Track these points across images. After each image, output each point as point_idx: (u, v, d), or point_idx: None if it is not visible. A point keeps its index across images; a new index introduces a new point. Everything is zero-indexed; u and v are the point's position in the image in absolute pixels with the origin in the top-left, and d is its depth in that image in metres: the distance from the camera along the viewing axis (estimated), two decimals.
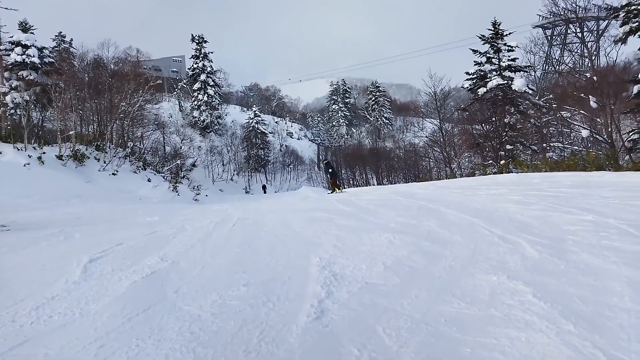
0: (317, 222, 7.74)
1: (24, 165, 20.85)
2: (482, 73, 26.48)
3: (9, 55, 25.79)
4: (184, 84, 54.36)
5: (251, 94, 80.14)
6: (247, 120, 50.79)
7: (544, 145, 24.74)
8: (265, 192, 40.97)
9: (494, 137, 24.84)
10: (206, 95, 48.48)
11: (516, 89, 24.58)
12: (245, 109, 63.69)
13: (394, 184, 35.40)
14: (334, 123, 76.58)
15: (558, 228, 5.23)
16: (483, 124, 25.78)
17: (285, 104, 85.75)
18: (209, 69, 49.53)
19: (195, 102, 49.21)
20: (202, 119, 48.50)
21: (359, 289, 3.65)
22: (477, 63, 26.78)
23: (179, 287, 4.14)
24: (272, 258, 5.13)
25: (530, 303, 3.07)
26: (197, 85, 48.75)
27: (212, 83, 49.40)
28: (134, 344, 2.85)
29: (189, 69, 53.02)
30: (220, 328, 3.06)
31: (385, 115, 74.28)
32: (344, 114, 77.65)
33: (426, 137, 37.51)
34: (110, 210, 14.35)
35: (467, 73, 27.32)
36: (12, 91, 24.83)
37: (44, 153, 22.82)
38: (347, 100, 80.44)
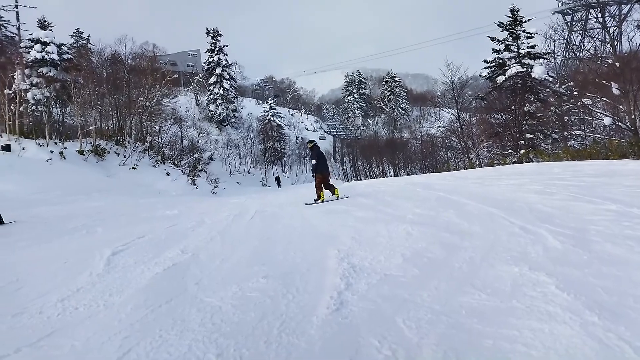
0: (333, 214, 7.75)
1: (46, 161, 21.38)
2: (500, 61, 25.98)
3: (28, 52, 26.29)
4: (200, 78, 54.75)
5: (266, 86, 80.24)
6: (263, 113, 50.91)
7: (565, 133, 24.20)
8: (279, 186, 38.13)
9: (514, 126, 24.37)
10: (222, 88, 48.72)
11: (536, 77, 24.05)
12: (260, 101, 63.87)
13: (411, 175, 35.16)
14: (349, 114, 76.26)
15: (580, 218, 5.12)
16: (502, 113, 25.31)
17: (301, 96, 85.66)
18: (224, 62, 49.69)
19: (211, 96, 49.51)
20: (218, 112, 48.81)
21: (378, 281, 3.65)
22: (495, 51, 26.27)
23: (200, 279, 4.20)
24: (290, 250, 5.16)
25: (553, 294, 3.02)
26: (212, 79, 49.00)
27: (227, 76, 49.59)
28: (158, 334, 2.91)
29: (204, 62, 53.30)
30: (241, 319, 3.10)
31: (401, 106, 73.60)
32: (360, 105, 77.23)
33: (443, 127, 37.00)
34: (130, 203, 14.59)
35: (485, 61, 26.84)
36: (33, 88, 25.32)
37: (65, 148, 23.36)
38: (362, 91, 79.93)
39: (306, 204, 10.07)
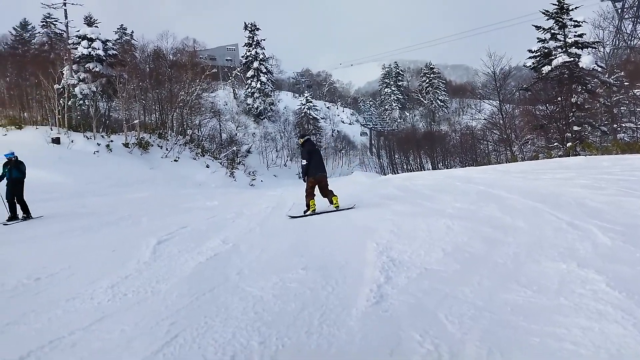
0: (371, 208, 7.71)
1: (94, 153, 22.42)
2: (546, 50, 24.84)
3: (76, 48, 27.43)
4: (238, 72, 55.52)
5: (303, 79, 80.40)
6: (299, 107, 51.03)
7: (615, 126, 22.97)
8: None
9: (560, 118, 23.32)
10: (259, 82, 49.22)
11: (584, 67, 22.86)
12: (297, 95, 64.08)
13: (450, 168, 34.42)
14: (386, 107, 75.21)
15: (631, 214, 4.87)
16: (547, 104, 24.26)
17: (337, 88, 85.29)
18: (261, 56, 50.12)
19: (249, 90, 50.11)
20: (255, 105, 49.38)
21: (418, 275, 3.62)
22: (540, 40, 25.14)
23: (241, 269, 4.30)
24: (328, 243, 5.19)
25: (604, 292, 2.90)
26: (250, 73, 49.54)
27: (264, 70, 50.01)
28: (203, 321, 3.01)
29: (242, 57, 54.01)
30: (282, 309, 3.15)
31: (440, 98, 71.85)
32: (397, 97, 75.98)
33: (484, 119, 35.82)
34: (172, 195, 15.09)
35: (530, 51, 25.74)
36: (81, 83, 26.45)
37: (111, 141, 24.42)
38: (399, 83, 78.58)
39: (292, 216, 7.67)
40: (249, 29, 50.61)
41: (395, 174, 32.29)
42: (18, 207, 9.75)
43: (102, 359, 2.52)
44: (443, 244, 4.47)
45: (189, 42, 49.52)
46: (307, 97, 51.53)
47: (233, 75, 54.61)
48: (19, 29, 44.07)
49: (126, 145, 24.87)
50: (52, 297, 3.78)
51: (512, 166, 14.69)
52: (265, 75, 50.04)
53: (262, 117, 49.71)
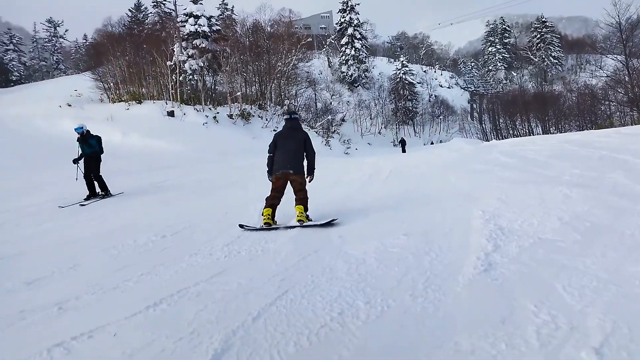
0: (475, 174, 7.36)
1: (203, 124, 24.29)
2: None
3: (184, 26, 29.32)
4: (332, 39, 55.34)
5: (398, 43, 77.64)
6: (394, 72, 49.59)
7: None
8: (404, 151, 30.46)
9: None
10: (353, 49, 48.62)
11: None
12: (392, 60, 62.23)
13: (564, 132, 31.24)
14: (490, 67, 69.78)
15: None
16: None
17: (435, 51, 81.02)
18: (355, 21, 49.25)
19: (343, 57, 49.85)
20: (349, 73, 49.07)
21: (530, 244, 3.40)
22: None
23: (343, 233, 4.42)
24: (430, 209, 5.09)
25: None
26: (344, 40, 49.11)
27: (358, 36, 49.17)
28: (310, 280, 3.17)
29: (336, 23, 53.60)
30: (384, 273, 3.19)
31: (552, 55, 64.61)
32: (502, 56, 69.89)
33: (606, 76, 31.61)
34: None
35: None
36: (189, 59, 28.39)
37: (217, 113, 26.21)
38: (506, 41, 72.02)
39: (244, 226, 5.02)
40: None
41: (499, 140, 30.22)
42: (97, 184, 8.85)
43: (224, 307, 2.79)
44: (559, 212, 4.12)
45: (285, 13, 50.31)
46: (402, 61, 49.82)
47: (327, 43, 54.57)
48: (133, 11, 48.39)
49: (230, 116, 26.52)
50: (177, 253, 4.25)
51: None
52: (360, 41, 49.23)
53: (356, 85, 49.33)
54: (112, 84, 28.86)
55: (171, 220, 5.80)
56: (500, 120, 46.11)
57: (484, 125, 49.81)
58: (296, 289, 3.01)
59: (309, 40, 40.66)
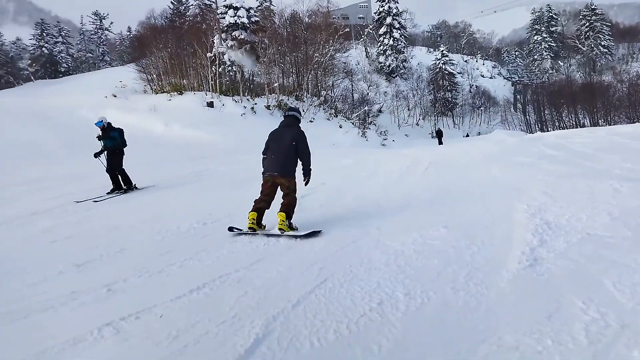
0: (519, 167, 7.13)
1: (241, 115, 24.67)
2: None
3: (224, 18, 29.65)
4: (370, 29, 54.58)
5: (438, 32, 75.69)
6: (434, 62, 48.34)
7: None
8: (441, 142, 28.11)
9: None
10: (392, 38, 47.75)
11: None
12: (431, 49, 60.71)
13: (614, 125, 29.67)
14: (535, 57, 66.80)
15: None
16: None
17: (477, 40, 78.38)
18: (394, 10, 48.29)
19: (381, 47, 49.01)
20: (387, 63, 48.26)
21: (579, 240, 3.27)
22: None
23: (380, 224, 4.39)
24: (471, 202, 4.98)
25: None
26: (382, 30, 48.28)
27: (397, 25, 48.19)
28: (348, 269, 3.18)
29: (374, 13, 52.77)
30: (424, 265, 3.16)
31: (602, 43, 61.11)
32: (549, 44, 66.75)
33: None
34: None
35: None
36: (229, 50, 28.76)
37: (255, 104, 26.54)
38: (552, 29, 68.69)
39: (234, 229, 4.69)
40: None
41: (544, 132, 29.05)
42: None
43: (264, 293, 2.85)
44: (609, 207, 3.94)
45: (323, 3, 49.99)
46: (442, 51, 48.53)
47: (365, 33, 53.93)
48: (175, 3, 49.47)
49: (267, 107, 26.78)
50: (218, 239, 4.36)
51: None
52: (398, 31, 48.31)
53: (394, 75, 48.55)
54: (154, 76, 29.68)
55: (211, 209, 5.94)
56: (546, 112, 44.19)
57: (527, 116, 47.89)
58: (335, 278, 3.03)
59: (346, 30, 40.31)
